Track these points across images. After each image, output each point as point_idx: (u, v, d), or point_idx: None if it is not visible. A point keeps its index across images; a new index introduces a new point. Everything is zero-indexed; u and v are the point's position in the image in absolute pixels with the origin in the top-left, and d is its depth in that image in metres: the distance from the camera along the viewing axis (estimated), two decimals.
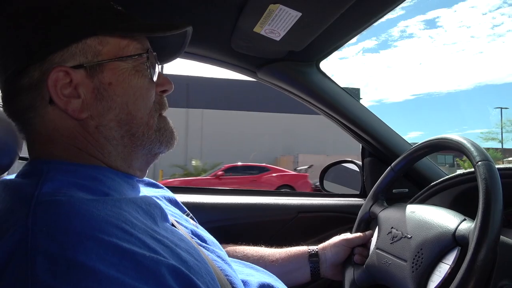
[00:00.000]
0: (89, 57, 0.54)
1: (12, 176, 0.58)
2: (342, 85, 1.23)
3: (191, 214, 0.83)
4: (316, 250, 0.96)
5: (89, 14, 0.56)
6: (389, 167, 0.98)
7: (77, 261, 0.39)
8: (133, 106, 0.57)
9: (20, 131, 0.58)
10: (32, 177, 0.51)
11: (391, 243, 0.83)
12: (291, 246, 1.01)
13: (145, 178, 0.79)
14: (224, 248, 0.80)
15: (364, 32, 1.01)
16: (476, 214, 0.65)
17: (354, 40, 1.03)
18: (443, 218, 0.75)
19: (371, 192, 1.01)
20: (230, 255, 0.89)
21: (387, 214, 0.91)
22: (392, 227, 0.85)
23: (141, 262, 0.42)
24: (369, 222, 1.00)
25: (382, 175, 1.00)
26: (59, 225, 0.42)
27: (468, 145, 0.75)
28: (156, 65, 0.62)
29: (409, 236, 0.78)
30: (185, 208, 0.84)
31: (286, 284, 0.82)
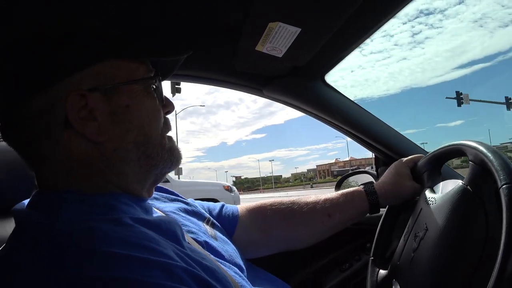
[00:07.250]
0: (104, 80, 0.54)
1: (23, 205, 0.55)
2: None
3: (212, 220, 0.80)
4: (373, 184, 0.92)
5: (100, 38, 0.56)
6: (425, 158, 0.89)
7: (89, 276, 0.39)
8: (148, 128, 0.57)
9: (27, 162, 0.56)
10: (45, 208, 0.50)
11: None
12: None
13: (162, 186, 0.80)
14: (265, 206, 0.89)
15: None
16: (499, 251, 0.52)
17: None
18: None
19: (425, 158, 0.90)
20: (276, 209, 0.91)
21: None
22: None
23: (171, 271, 0.43)
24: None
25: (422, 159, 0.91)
26: (77, 254, 0.41)
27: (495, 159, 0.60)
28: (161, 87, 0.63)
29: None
30: (206, 214, 0.82)
31: (339, 222, 0.90)
